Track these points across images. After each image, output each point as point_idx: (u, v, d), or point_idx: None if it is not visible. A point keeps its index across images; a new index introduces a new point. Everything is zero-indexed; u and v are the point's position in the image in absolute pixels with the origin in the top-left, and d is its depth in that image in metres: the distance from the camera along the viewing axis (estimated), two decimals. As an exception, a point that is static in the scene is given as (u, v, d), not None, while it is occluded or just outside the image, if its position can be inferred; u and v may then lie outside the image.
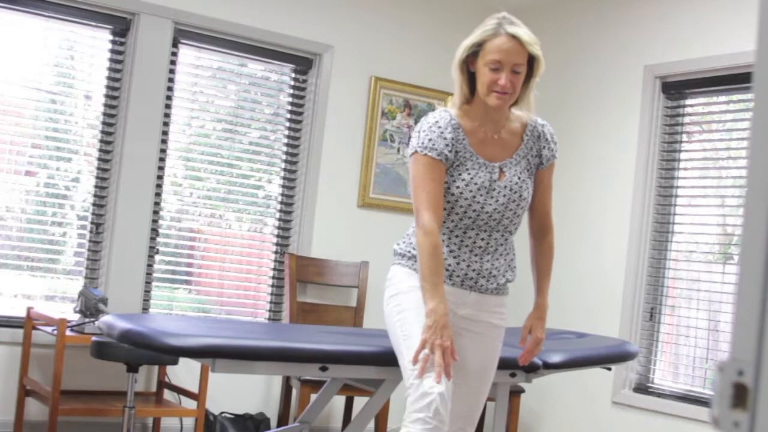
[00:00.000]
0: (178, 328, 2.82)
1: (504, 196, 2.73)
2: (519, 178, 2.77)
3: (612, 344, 3.65)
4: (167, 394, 4.68)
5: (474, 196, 2.69)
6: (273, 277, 5.14)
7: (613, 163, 5.00)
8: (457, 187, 2.69)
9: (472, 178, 2.70)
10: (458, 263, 2.72)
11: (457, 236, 2.72)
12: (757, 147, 0.99)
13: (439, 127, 2.70)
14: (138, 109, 4.65)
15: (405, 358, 2.61)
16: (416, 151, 2.70)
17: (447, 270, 2.70)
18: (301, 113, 5.18)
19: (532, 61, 2.69)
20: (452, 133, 2.70)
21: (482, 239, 2.74)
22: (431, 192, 2.66)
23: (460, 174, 2.69)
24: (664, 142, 4.81)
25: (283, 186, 5.16)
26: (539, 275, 2.94)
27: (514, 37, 2.66)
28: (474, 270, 2.73)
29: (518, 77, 2.67)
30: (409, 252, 2.77)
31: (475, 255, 2.73)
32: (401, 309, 2.70)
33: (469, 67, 2.73)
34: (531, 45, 2.68)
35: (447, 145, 2.68)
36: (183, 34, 4.82)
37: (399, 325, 2.68)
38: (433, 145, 2.68)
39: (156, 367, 4.72)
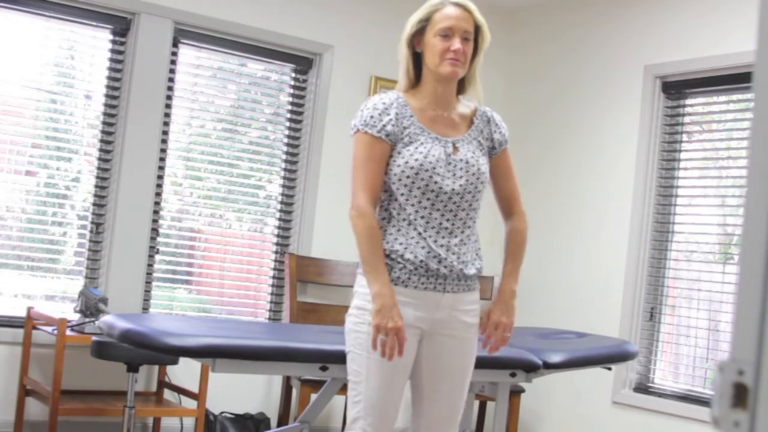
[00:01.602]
0: (178, 328, 2.83)
1: (461, 169, 2.66)
2: (474, 154, 2.71)
3: (612, 344, 3.65)
4: (167, 394, 4.68)
5: (434, 168, 2.62)
6: (273, 277, 5.14)
7: (613, 163, 5.00)
8: (416, 160, 2.62)
9: (429, 151, 2.64)
10: (428, 251, 2.61)
11: (422, 217, 2.63)
12: (757, 147, 0.99)
13: (384, 103, 2.66)
14: (138, 109, 4.65)
15: (349, 398, 2.63)
16: (358, 130, 2.66)
17: (421, 267, 2.61)
18: (301, 113, 5.18)
19: (476, 37, 2.70)
20: (398, 109, 2.66)
21: (447, 220, 2.65)
22: (369, 172, 2.62)
23: (417, 148, 2.63)
24: (664, 142, 4.81)
25: (283, 186, 5.16)
26: (505, 259, 2.84)
27: (460, 6, 2.68)
28: (441, 253, 2.62)
29: (469, 45, 2.67)
30: None
31: (443, 237, 2.64)
32: (360, 346, 2.61)
33: (414, 47, 2.71)
34: (477, 13, 2.70)
35: (390, 119, 2.63)
36: (183, 34, 4.83)
37: (356, 363, 2.62)
38: (374, 122, 2.63)
39: (156, 367, 4.72)
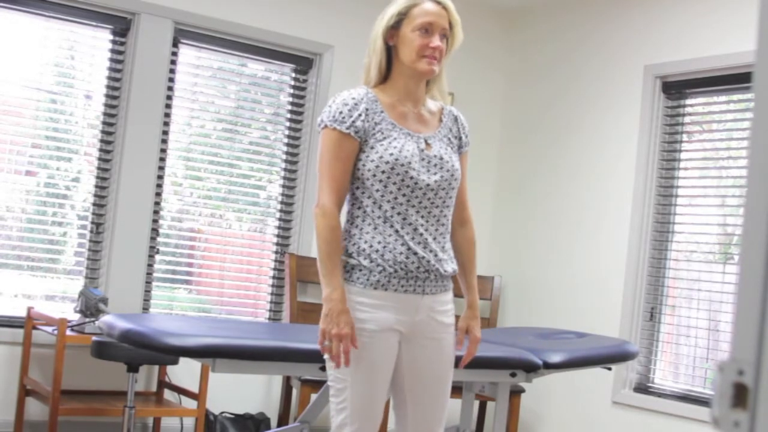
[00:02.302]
0: (178, 328, 2.83)
1: (435, 165, 2.63)
2: (446, 151, 2.67)
3: (612, 344, 3.65)
4: (167, 394, 4.69)
5: (410, 163, 2.57)
6: (273, 277, 5.14)
7: (614, 163, 5.00)
8: (391, 155, 2.57)
9: (403, 146, 2.59)
10: (407, 248, 2.57)
11: (399, 213, 2.58)
12: (757, 147, 0.99)
13: (353, 99, 2.61)
14: (138, 109, 4.65)
15: (332, 405, 2.62)
16: (326, 125, 2.60)
17: (401, 270, 2.57)
18: (301, 113, 5.18)
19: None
20: (368, 104, 2.60)
21: (422, 216, 2.61)
22: (336, 172, 2.57)
23: (390, 143, 2.58)
24: (664, 142, 4.81)
25: (284, 186, 5.16)
26: (465, 271, 2.79)
27: (439, 3, 2.64)
28: (419, 251, 2.58)
29: (444, 43, 2.64)
30: (341, 258, 2.61)
31: (420, 234, 2.60)
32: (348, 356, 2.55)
33: (386, 41, 2.66)
34: (454, 11, 2.66)
35: (360, 114, 2.58)
36: (183, 34, 4.83)
37: (339, 371, 2.58)
38: (343, 118, 2.57)
39: (156, 367, 4.72)
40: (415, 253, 2.58)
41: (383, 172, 2.57)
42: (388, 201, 2.58)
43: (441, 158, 2.65)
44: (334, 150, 2.57)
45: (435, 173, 2.62)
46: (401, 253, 2.57)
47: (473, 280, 2.79)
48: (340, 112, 2.59)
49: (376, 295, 2.57)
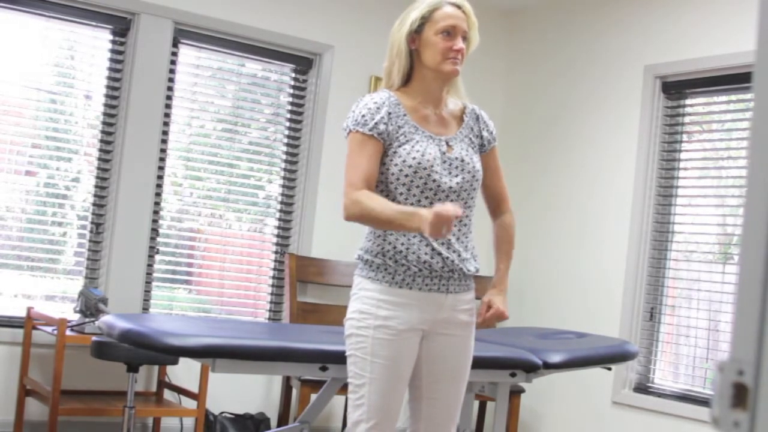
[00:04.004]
0: (178, 328, 2.83)
1: (457, 167, 2.66)
2: (467, 152, 2.71)
3: (612, 344, 3.65)
4: (167, 394, 4.69)
5: (432, 166, 2.60)
6: (273, 277, 5.14)
7: (613, 163, 5.00)
8: (413, 158, 2.60)
9: (425, 149, 2.62)
10: (431, 248, 2.59)
11: None
12: (757, 147, 0.99)
13: (375, 103, 2.63)
14: (138, 109, 4.65)
15: (350, 401, 2.62)
16: (350, 130, 2.62)
17: (425, 269, 2.60)
18: (301, 113, 5.18)
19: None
20: (390, 108, 2.63)
21: None
22: (363, 166, 2.56)
23: (413, 147, 2.61)
24: (664, 142, 4.81)
25: (283, 186, 5.16)
26: (498, 254, 2.85)
27: (459, 6, 2.70)
28: (443, 252, 2.61)
29: (465, 46, 2.69)
30: (366, 257, 2.65)
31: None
32: (364, 350, 2.58)
33: (408, 45, 2.68)
34: (472, 14, 2.71)
35: (382, 117, 2.60)
36: (183, 34, 4.83)
37: (358, 367, 2.60)
38: (366, 121, 2.60)
39: (156, 367, 4.72)
40: (439, 254, 2.62)
41: (406, 175, 2.61)
42: (412, 204, 2.62)
43: (462, 160, 2.68)
44: (359, 149, 2.60)
45: (457, 175, 2.66)
46: (426, 254, 2.61)
47: (504, 264, 2.83)
48: (363, 116, 2.62)
49: (401, 294, 2.60)
